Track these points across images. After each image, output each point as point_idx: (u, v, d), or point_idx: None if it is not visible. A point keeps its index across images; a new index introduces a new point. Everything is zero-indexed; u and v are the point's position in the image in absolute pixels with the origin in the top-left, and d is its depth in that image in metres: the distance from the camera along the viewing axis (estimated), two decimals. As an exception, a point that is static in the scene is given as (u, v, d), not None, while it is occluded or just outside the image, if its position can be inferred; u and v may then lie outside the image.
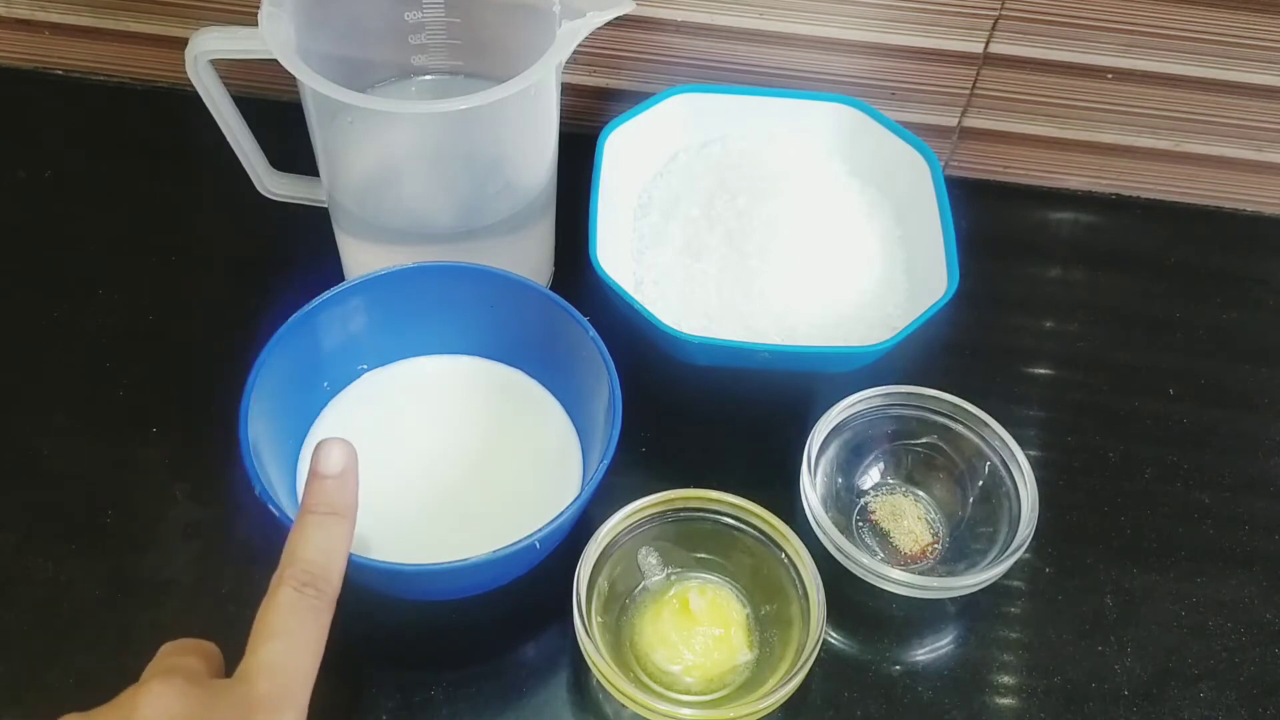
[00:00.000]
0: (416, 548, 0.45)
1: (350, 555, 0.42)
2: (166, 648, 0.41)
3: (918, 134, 0.59)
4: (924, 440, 0.54)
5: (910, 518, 0.53)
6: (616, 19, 0.50)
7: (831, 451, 0.53)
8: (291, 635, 0.37)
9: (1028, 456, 0.51)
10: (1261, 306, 0.64)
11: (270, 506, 0.43)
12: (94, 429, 0.55)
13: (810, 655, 0.44)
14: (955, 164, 0.69)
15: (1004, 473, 0.52)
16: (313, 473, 0.41)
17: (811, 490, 0.50)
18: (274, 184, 0.58)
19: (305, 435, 0.51)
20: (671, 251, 0.58)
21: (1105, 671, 0.50)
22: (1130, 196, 0.69)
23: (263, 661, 0.37)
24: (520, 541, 0.42)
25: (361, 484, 0.50)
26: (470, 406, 0.53)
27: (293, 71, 0.46)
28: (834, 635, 0.50)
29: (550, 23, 0.49)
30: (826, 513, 0.50)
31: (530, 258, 0.57)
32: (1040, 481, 0.50)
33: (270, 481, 0.45)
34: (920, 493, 0.54)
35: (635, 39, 0.63)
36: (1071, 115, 0.65)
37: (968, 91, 0.64)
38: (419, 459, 0.51)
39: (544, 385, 0.53)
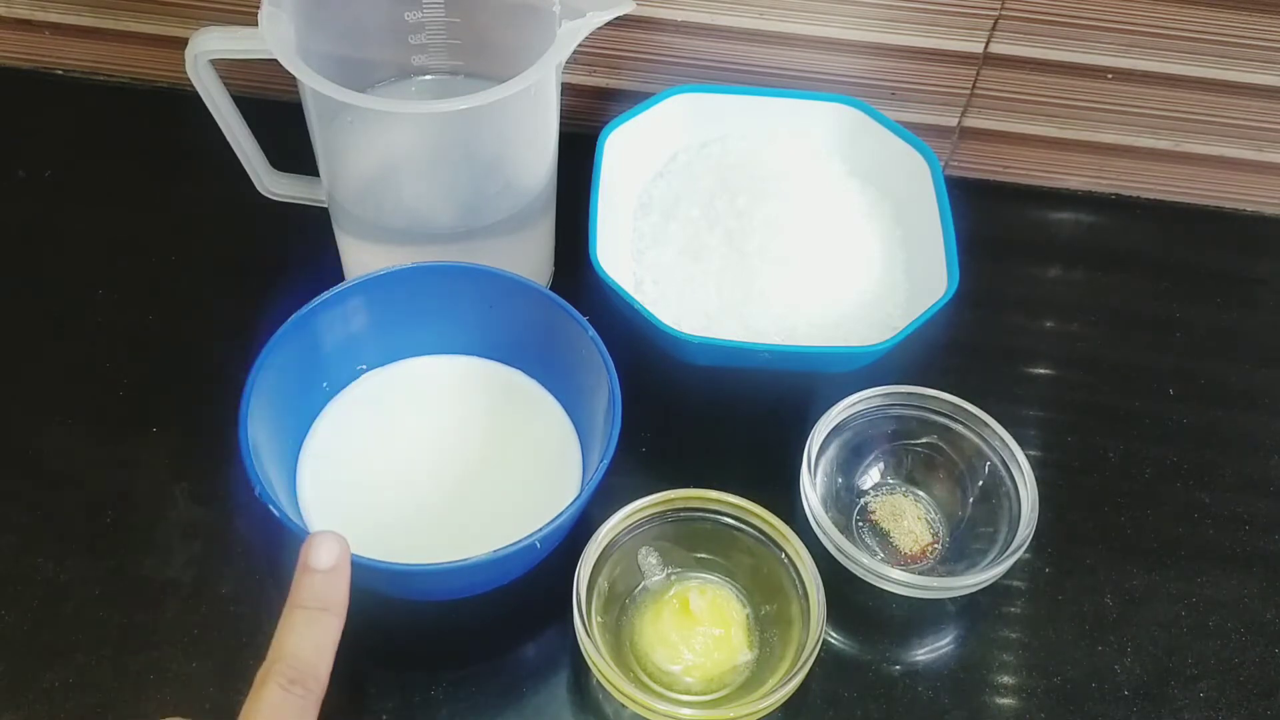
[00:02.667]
0: (416, 548, 0.45)
1: (350, 555, 0.42)
2: None
3: (918, 134, 0.59)
4: (924, 440, 0.54)
5: (910, 518, 0.53)
6: (616, 19, 0.50)
7: (831, 451, 0.53)
8: None
9: (1028, 456, 0.51)
10: (1261, 306, 0.64)
11: (270, 506, 0.43)
12: (94, 429, 0.55)
13: (810, 655, 0.44)
14: (955, 164, 0.69)
15: (1004, 473, 0.52)
16: (302, 566, 0.39)
17: (811, 490, 0.50)
18: (274, 184, 0.58)
19: (305, 435, 0.51)
20: (671, 251, 0.58)
21: (1105, 671, 0.50)
22: (1130, 196, 0.69)
23: None
24: (520, 541, 0.42)
25: (362, 484, 0.50)
26: (470, 406, 0.53)
27: (293, 71, 0.46)
28: (834, 635, 0.50)
29: (550, 23, 0.49)
30: (826, 513, 0.50)
31: (530, 258, 0.57)
32: (1040, 481, 0.50)
33: (270, 481, 0.45)
34: (920, 493, 0.54)
35: (635, 39, 0.63)
36: (1071, 115, 0.65)
37: (968, 91, 0.64)
38: (419, 459, 0.51)
39: (544, 385, 0.53)
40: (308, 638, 0.38)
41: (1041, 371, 0.61)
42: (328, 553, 0.40)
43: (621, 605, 0.49)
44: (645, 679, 0.47)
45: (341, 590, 0.39)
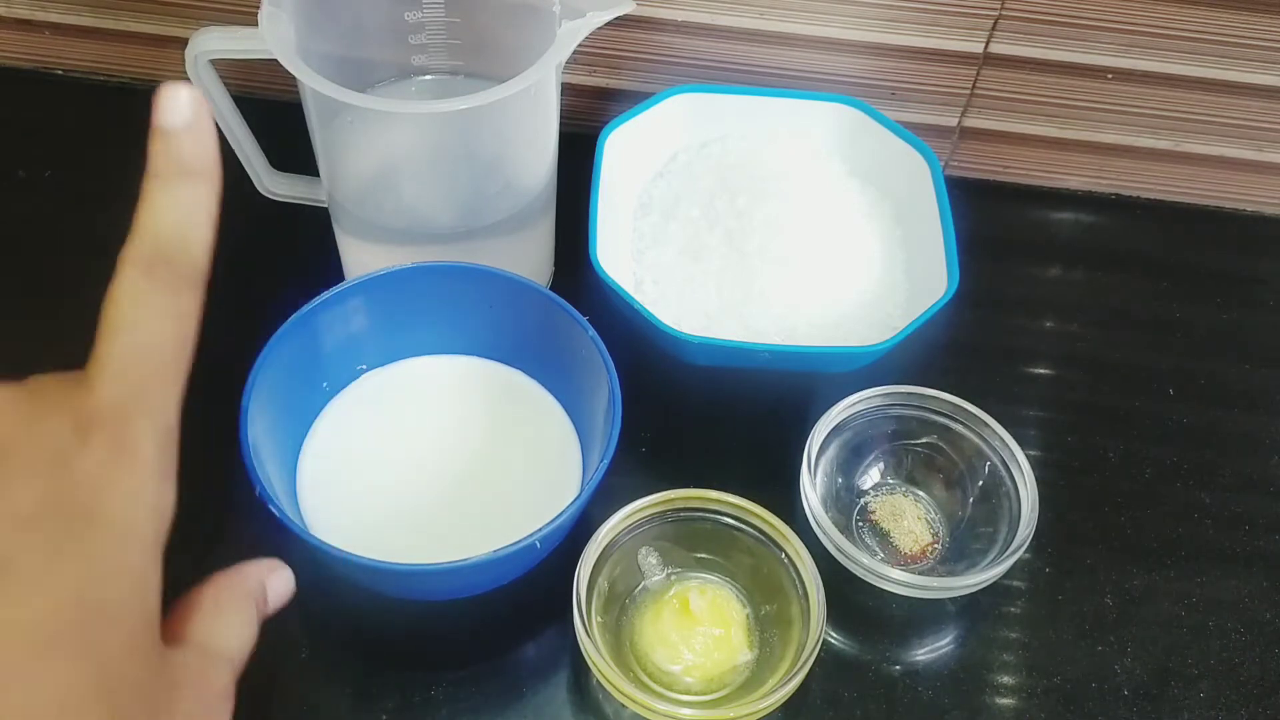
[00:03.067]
0: (416, 548, 0.45)
1: (351, 555, 0.42)
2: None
3: (918, 134, 0.59)
4: (924, 440, 0.54)
5: (910, 518, 0.53)
6: (616, 19, 0.50)
7: (831, 451, 0.53)
8: (139, 327, 0.30)
9: (1028, 456, 0.51)
10: (1261, 306, 0.64)
11: (270, 506, 0.43)
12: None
13: (810, 655, 0.44)
14: (955, 164, 0.69)
15: (1004, 473, 0.52)
16: (153, 128, 0.32)
17: (811, 490, 0.50)
18: (274, 184, 0.58)
19: (305, 435, 0.51)
20: (671, 251, 0.58)
21: (1105, 671, 0.50)
22: (1130, 196, 0.69)
23: (102, 359, 0.30)
24: (520, 541, 0.42)
25: (362, 484, 0.50)
26: (470, 406, 0.53)
27: (293, 71, 0.46)
28: (834, 635, 0.50)
29: (550, 23, 0.49)
30: (826, 513, 0.50)
31: (530, 258, 0.57)
32: (1040, 481, 0.50)
33: (270, 481, 0.45)
34: (920, 493, 0.54)
35: (635, 39, 0.63)
36: (1071, 115, 0.65)
37: (968, 91, 0.64)
38: (419, 459, 0.51)
39: (544, 385, 0.53)
40: (168, 210, 0.33)
41: (1041, 371, 0.61)
42: (183, 105, 0.32)
43: (621, 605, 0.49)
44: (645, 679, 0.47)
45: (207, 149, 0.33)
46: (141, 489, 0.29)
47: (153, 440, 0.29)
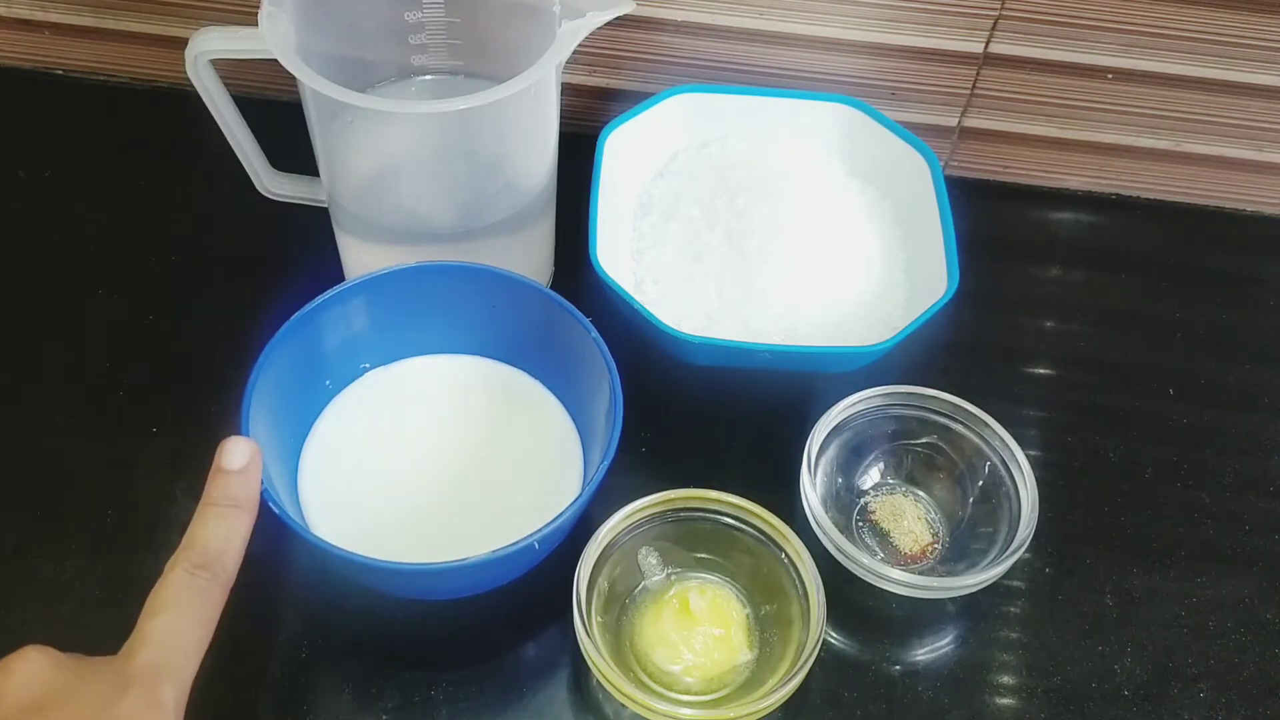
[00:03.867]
0: (416, 547, 0.45)
1: (351, 554, 0.42)
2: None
3: (918, 134, 0.59)
4: (924, 440, 0.54)
5: (910, 518, 0.53)
6: (616, 19, 0.50)
7: (831, 451, 0.53)
8: (178, 611, 0.38)
9: (1028, 456, 0.51)
10: (1261, 306, 0.64)
11: (271, 506, 0.43)
12: (94, 429, 0.55)
13: (810, 655, 0.44)
14: (955, 164, 0.69)
15: (1004, 473, 0.52)
16: (215, 468, 0.42)
17: (811, 490, 0.50)
18: (274, 184, 0.58)
19: (307, 434, 0.51)
20: (671, 251, 0.58)
21: (1105, 671, 0.50)
22: (1130, 196, 0.69)
23: (145, 634, 0.37)
24: (520, 541, 0.42)
25: (362, 483, 0.50)
26: (471, 406, 0.53)
27: (293, 71, 0.46)
28: (834, 635, 0.50)
29: (550, 23, 0.49)
30: (826, 513, 0.50)
31: (530, 258, 0.57)
32: (1040, 481, 0.50)
33: (271, 480, 0.45)
34: (920, 493, 0.54)
35: (635, 39, 0.63)
36: (1071, 115, 0.65)
37: (968, 91, 0.64)
38: (420, 458, 0.51)
39: (545, 385, 0.53)
40: (216, 530, 0.40)
41: (1041, 371, 0.61)
42: (240, 454, 0.42)
43: (621, 605, 0.49)
44: (645, 679, 0.47)
45: (252, 489, 0.42)
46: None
47: (174, 698, 0.36)
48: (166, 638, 0.37)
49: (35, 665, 0.36)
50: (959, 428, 0.53)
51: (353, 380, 0.53)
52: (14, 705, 0.35)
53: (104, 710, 0.35)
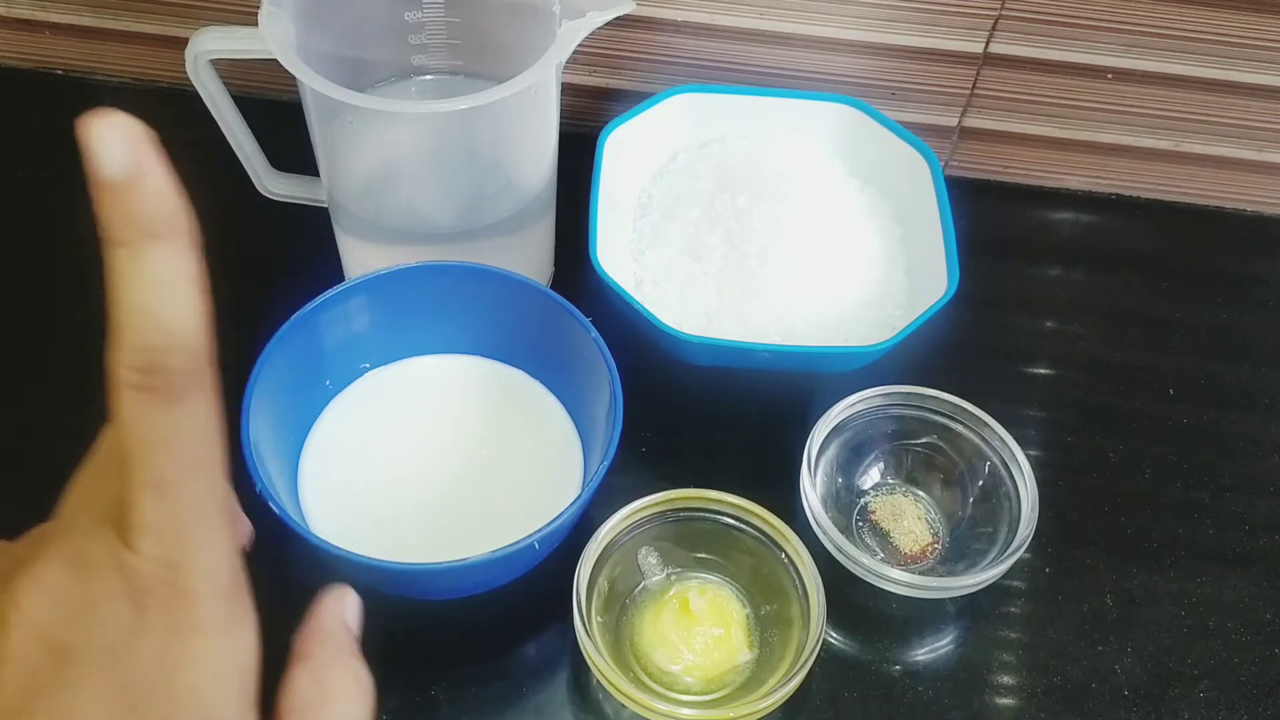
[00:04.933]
0: (416, 547, 0.45)
1: (351, 554, 0.42)
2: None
3: (918, 134, 0.59)
4: (924, 440, 0.54)
5: (910, 518, 0.53)
6: (616, 19, 0.50)
7: (831, 451, 0.53)
8: (162, 466, 0.26)
9: (1028, 456, 0.51)
10: (1261, 306, 0.64)
11: (271, 505, 0.43)
12: (94, 429, 0.55)
13: (810, 655, 0.44)
14: (955, 164, 0.69)
15: (1004, 473, 0.52)
16: (94, 184, 0.25)
17: (811, 490, 0.50)
18: (274, 184, 0.58)
19: (307, 434, 0.51)
20: (671, 251, 0.58)
21: (1105, 671, 0.50)
22: (1130, 196, 0.69)
23: (138, 517, 0.26)
24: (520, 541, 0.42)
25: (362, 482, 0.50)
26: (471, 406, 0.53)
27: (293, 71, 0.46)
28: (834, 635, 0.50)
29: (550, 23, 0.49)
30: (826, 513, 0.50)
31: (530, 258, 0.57)
32: (1040, 481, 0.50)
33: (271, 479, 0.45)
34: (920, 493, 0.54)
35: (635, 39, 0.63)
36: (1071, 115, 0.65)
37: (968, 91, 0.64)
38: (420, 458, 0.51)
39: (545, 385, 0.53)
40: (144, 289, 0.26)
41: (1041, 371, 0.61)
42: (118, 150, 0.25)
43: (621, 605, 0.49)
44: (645, 679, 0.47)
45: (167, 199, 0.26)
46: (211, 658, 0.26)
47: (209, 595, 0.25)
48: (165, 513, 0.26)
49: (41, 594, 0.26)
50: (959, 428, 0.53)
51: (353, 380, 0.53)
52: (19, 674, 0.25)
53: (124, 660, 0.25)
